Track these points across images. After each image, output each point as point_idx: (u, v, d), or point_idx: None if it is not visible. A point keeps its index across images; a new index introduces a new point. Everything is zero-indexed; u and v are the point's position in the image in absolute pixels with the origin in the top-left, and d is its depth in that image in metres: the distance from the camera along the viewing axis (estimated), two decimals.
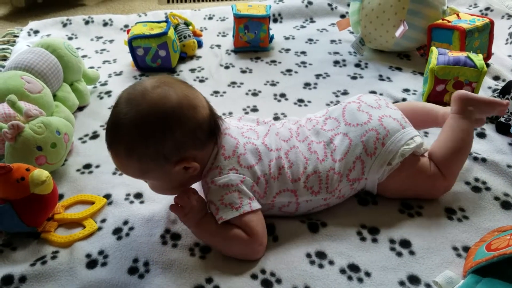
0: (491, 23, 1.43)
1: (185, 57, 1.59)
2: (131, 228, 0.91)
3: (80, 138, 1.20)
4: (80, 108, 1.33)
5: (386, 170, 0.90)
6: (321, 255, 0.84)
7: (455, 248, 0.85)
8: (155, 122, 0.77)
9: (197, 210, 0.83)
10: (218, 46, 1.69)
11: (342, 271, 0.81)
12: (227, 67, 1.54)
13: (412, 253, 0.84)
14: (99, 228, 0.92)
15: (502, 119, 1.14)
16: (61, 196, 1.00)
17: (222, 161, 0.84)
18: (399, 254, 0.84)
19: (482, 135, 1.13)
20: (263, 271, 0.81)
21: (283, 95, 1.37)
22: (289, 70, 1.51)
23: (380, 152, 0.89)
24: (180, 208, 0.84)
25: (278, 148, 0.89)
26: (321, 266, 0.82)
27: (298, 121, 0.99)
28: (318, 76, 1.47)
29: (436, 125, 1.05)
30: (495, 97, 1.19)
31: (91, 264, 0.84)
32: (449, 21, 1.42)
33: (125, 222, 0.92)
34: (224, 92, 1.40)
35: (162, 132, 0.77)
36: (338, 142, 0.91)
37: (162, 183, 0.86)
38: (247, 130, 0.92)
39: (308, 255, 0.84)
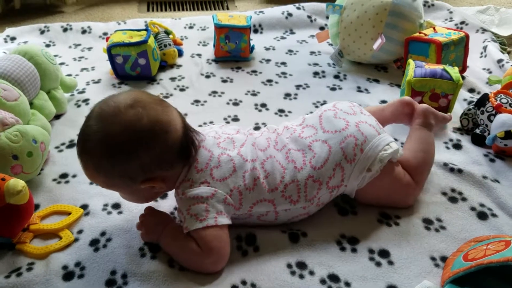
0: (466, 36, 1.46)
1: (165, 65, 1.58)
2: (108, 239, 0.90)
3: (57, 147, 1.18)
4: (57, 116, 1.30)
5: (366, 177, 0.91)
6: (301, 265, 0.84)
7: (433, 258, 0.86)
8: (124, 144, 0.77)
9: (153, 228, 0.88)
10: (199, 55, 1.69)
11: (323, 281, 0.81)
12: (207, 76, 1.54)
13: (390, 263, 0.85)
14: (76, 239, 0.90)
15: (477, 131, 1.17)
16: (36, 206, 0.98)
17: (194, 174, 0.84)
18: (378, 264, 0.85)
19: (458, 147, 1.16)
20: (243, 282, 0.81)
21: (263, 105, 1.38)
22: (269, 80, 1.52)
23: (359, 158, 0.90)
24: (141, 227, 0.90)
25: (253, 159, 0.89)
26: (301, 276, 0.82)
27: (276, 129, 0.98)
28: (298, 86, 1.48)
29: (386, 122, 1.11)
30: (470, 109, 1.22)
31: (68, 276, 0.82)
32: (425, 35, 1.45)
33: (103, 233, 0.91)
34: (205, 101, 1.39)
35: (129, 155, 0.78)
36: (318, 149, 0.91)
37: (128, 196, 0.88)
38: (224, 140, 0.91)
39: (289, 266, 0.84)
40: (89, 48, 1.74)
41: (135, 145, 0.78)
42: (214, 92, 1.45)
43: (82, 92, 1.44)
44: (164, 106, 0.83)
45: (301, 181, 0.88)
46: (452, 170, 1.07)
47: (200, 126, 1.18)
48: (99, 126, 0.78)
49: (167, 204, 0.99)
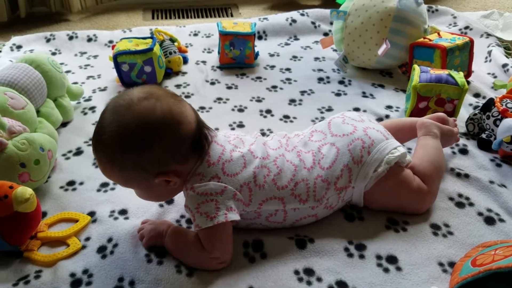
0: (471, 41, 1.46)
1: (170, 73, 1.59)
2: (115, 245, 0.90)
3: (64, 155, 1.18)
4: (64, 124, 1.31)
5: (373, 178, 0.92)
6: (309, 272, 0.84)
7: (440, 264, 0.86)
8: (137, 135, 0.78)
9: (155, 230, 0.89)
10: (204, 62, 1.69)
11: None
12: (212, 83, 1.55)
13: (398, 269, 0.85)
14: (83, 247, 0.90)
15: (484, 136, 1.17)
16: (44, 214, 0.98)
17: (206, 168, 0.85)
18: (386, 270, 0.85)
19: (464, 152, 1.15)
20: None
21: (268, 111, 1.38)
22: (274, 87, 1.52)
23: (366, 160, 0.91)
24: (142, 235, 0.90)
25: (264, 157, 0.90)
26: (309, 283, 0.82)
27: (286, 134, 1.01)
28: (303, 92, 1.48)
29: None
30: (476, 114, 1.22)
31: (76, 283, 0.82)
32: (430, 40, 1.45)
33: (110, 240, 0.91)
34: (210, 108, 1.40)
35: (142, 145, 0.79)
36: (326, 151, 0.93)
37: (144, 192, 0.88)
38: (234, 139, 0.93)
39: (296, 272, 0.84)
40: (95, 56, 1.75)
41: (148, 136, 0.78)
42: (219, 98, 1.45)
43: (89, 100, 1.45)
44: (177, 99, 0.84)
45: (310, 180, 0.89)
46: (458, 175, 1.07)
47: None
48: (112, 118, 0.79)
49: (174, 210, 0.99)
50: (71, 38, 1.84)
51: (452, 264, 0.85)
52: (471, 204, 1.00)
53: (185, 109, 0.83)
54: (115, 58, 1.46)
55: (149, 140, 0.78)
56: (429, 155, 1.00)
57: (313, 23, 1.95)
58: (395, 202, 0.96)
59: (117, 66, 1.47)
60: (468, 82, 1.46)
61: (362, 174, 0.91)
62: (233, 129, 1.29)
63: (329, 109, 1.38)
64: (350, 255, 0.88)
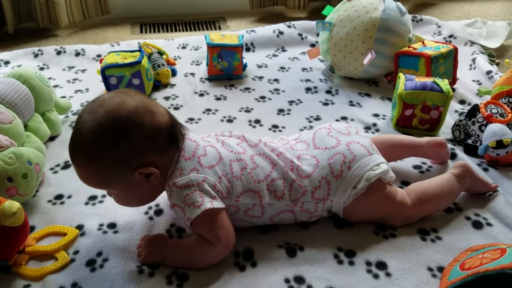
0: (455, 49, 1.49)
1: (159, 85, 1.59)
2: (105, 260, 0.89)
3: (52, 169, 1.18)
4: (52, 138, 1.31)
5: (352, 194, 0.92)
6: (299, 280, 0.84)
7: (430, 269, 0.86)
8: (111, 128, 0.80)
9: (155, 247, 0.88)
10: (192, 74, 1.70)
11: None
12: (201, 95, 1.55)
13: (388, 275, 0.85)
14: (72, 260, 0.89)
15: (469, 141, 1.18)
16: (32, 228, 0.97)
17: (183, 163, 0.87)
18: (376, 276, 0.85)
19: (452, 156, 1.17)
20: None
21: (257, 121, 1.39)
22: (262, 97, 1.53)
23: (346, 175, 0.91)
24: (141, 251, 0.89)
25: (239, 151, 0.92)
26: None
27: (269, 138, 1.01)
28: (291, 102, 1.49)
29: (421, 155, 1.11)
30: (461, 120, 1.24)
31: None
32: (415, 49, 1.47)
33: (99, 254, 0.91)
34: (199, 119, 1.40)
35: (118, 137, 0.80)
36: (306, 161, 0.94)
37: (124, 193, 0.88)
38: (208, 136, 0.97)
39: (287, 280, 0.84)
40: (83, 70, 1.75)
41: (122, 127, 0.80)
42: (208, 110, 1.46)
43: (77, 113, 1.44)
44: (147, 97, 0.88)
45: (287, 181, 0.91)
46: None
47: None
48: (86, 117, 0.81)
49: (163, 220, 0.99)
50: (59, 53, 1.84)
51: (441, 269, 0.86)
52: (459, 209, 1.01)
53: (155, 103, 0.88)
54: (103, 71, 1.46)
55: (124, 132, 0.81)
56: (442, 191, 0.98)
57: (300, 34, 1.97)
58: (374, 215, 0.96)
59: (105, 79, 1.47)
60: (453, 89, 1.49)
61: (341, 189, 0.91)
62: None
63: (317, 118, 1.39)
64: (340, 262, 0.88)
